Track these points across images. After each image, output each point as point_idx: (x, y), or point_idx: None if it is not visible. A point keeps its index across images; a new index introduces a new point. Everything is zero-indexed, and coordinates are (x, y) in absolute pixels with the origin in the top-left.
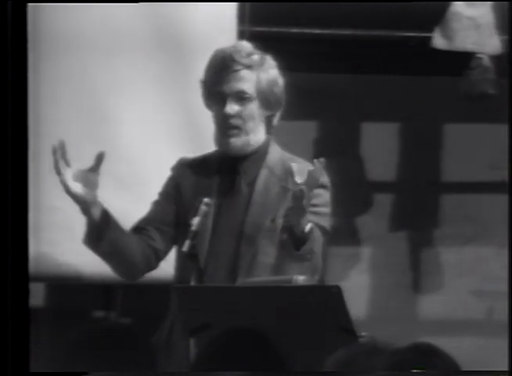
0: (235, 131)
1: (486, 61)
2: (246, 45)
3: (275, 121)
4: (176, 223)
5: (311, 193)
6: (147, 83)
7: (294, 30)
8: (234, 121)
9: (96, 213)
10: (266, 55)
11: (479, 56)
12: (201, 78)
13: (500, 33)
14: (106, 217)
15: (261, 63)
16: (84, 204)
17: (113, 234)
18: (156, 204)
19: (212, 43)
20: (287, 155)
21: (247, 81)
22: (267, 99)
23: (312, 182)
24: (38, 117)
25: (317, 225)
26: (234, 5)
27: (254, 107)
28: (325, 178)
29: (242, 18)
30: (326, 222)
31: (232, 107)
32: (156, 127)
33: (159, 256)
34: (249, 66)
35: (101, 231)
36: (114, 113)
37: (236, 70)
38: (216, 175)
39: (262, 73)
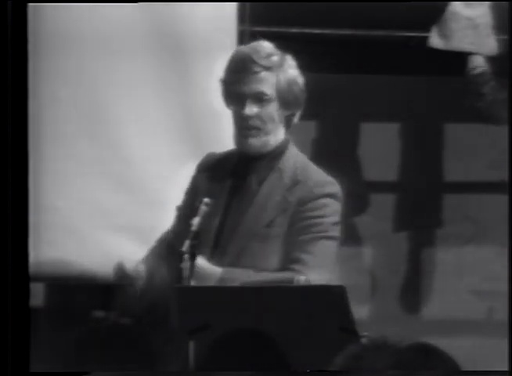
0: (254, 132)
1: (494, 84)
2: (266, 46)
3: (295, 120)
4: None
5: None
6: (147, 83)
7: (294, 30)
8: (253, 122)
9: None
10: (286, 55)
11: (483, 67)
12: (220, 78)
13: (498, 33)
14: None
15: (280, 64)
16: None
17: None
18: (179, 218)
19: (212, 43)
20: (301, 160)
21: (267, 82)
22: (286, 100)
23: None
24: (38, 116)
25: (325, 236)
26: (234, 5)
27: (273, 108)
28: (334, 188)
29: (242, 18)
30: (335, 231)
31: (251, 109)
32: (155, 127)
33: None
34: (268, 68)
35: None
36: (114, 113)
37: (256, 72)
38: (231, 173)
39: (281, 73)
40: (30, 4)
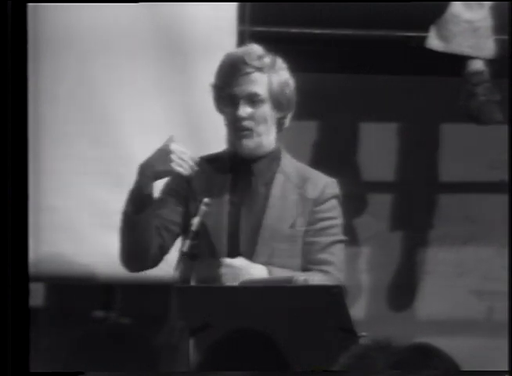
0: (247, 133)
1: (489, 86)
2: (257, 48)
3: (287, 122)
4: (185, 222)
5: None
6: (147, 83)
7: (294, 30)
8: (247, 123)
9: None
10: (277, 57)
11: (480, 69)
12: (212, 82)
13: (498, 36)
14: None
15: (272, 66)
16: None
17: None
18: (165, 201)
19: (212, 43)
20: (299, 164)
21: (259, 83)
22: (279, 101)
23: None
24: (38, 116)
25: (340, 239)
26: (234, 5)
27: (266, 109)
28: (338, 189)
29: (242, 18)
30: (342, 234)
31: (244, 110)
32: (155, 126)
33: (164, 252)
34: (260, 69)
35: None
36: (114, 113)
37: (248, 73)
38: (229, 174)
39: (274, 75)
40: (30, 4)
